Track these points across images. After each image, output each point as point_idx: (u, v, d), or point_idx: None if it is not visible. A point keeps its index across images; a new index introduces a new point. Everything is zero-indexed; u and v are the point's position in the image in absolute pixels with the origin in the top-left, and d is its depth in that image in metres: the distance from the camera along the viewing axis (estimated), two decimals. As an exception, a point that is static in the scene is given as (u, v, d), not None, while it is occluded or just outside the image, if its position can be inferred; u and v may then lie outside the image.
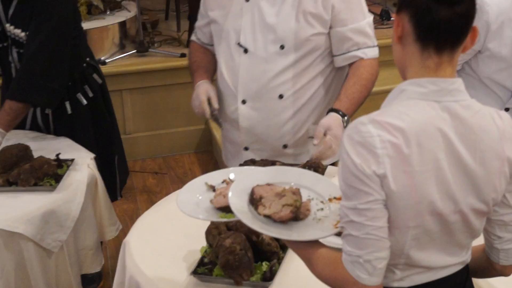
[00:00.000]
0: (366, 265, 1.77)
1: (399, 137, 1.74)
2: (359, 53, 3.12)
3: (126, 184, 4.15)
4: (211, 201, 2.33)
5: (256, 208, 2.11)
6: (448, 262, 1.92)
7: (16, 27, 3.49)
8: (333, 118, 2.95)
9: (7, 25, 3.51)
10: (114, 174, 3.91)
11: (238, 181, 2.25)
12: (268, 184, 2.20)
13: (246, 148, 3.26)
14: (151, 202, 4.70)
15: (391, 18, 6.00)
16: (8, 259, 3.04)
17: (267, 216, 2.08)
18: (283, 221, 2.08)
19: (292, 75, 3.13)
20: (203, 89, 3.15)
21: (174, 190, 3.17)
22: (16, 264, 3.07)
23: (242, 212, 2.08)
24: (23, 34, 3.48)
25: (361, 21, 3.12)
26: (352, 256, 1.79)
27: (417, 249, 1.85)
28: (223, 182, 2.40)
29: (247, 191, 2.18)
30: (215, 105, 3.12)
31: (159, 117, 5.64)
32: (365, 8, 3.16)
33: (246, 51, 3.10)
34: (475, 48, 3.02)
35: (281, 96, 3.15)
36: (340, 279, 1.85)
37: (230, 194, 2.14)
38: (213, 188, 2.43)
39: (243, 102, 3.16)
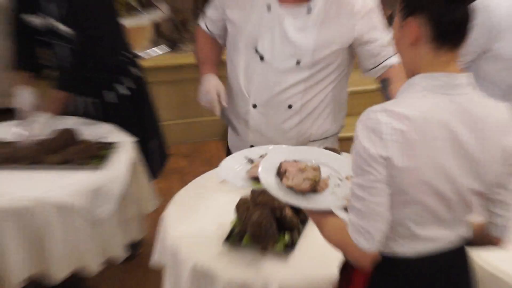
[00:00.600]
0: (366, 234, 1.85)
1: (405, 125, 1.79)
2: (391, 61, 3.08)
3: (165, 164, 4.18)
4: (247, 172, 2.47)
5: (281, 180, 2.23)
6: (449, 236, 1.98)
7: (63, 24, 3.52)
8: None
9: (53, 21, 3.52)
10: (152, 156, 3.95)
11: (268, 156, 2.35)
12: (294, 161, 2.30)
13: (251, 146, 3.13)
14: (182, 182, 4.76)
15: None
16: (61, 228, 3.10)
17: (290, 187, 2.20)
18: (302, 192, 2.20)
19: (304, 88, 3.08)
20: (213, 85, 3.10)
21: (203, 171, 3.21)
22: (69, 232, 3.13)
23: (269, 182, 2.21)
24: (67, 30, 3.52)
25: (385, 37, 3.06)
26: (355, 225, 1.87)
27: (419, 223, 1.91)
28: (260, 156, 2.46)
29: (276, 165, 2.28)
30: (224, 103, 3.10)
31: (189, 107, 5.67)
32: (384, 26, 3.11)
33: (262, 58, 3.04)
34: (477, 50, 3.02)
35: (290, 106, 3.11)
36: (344, 244, 1.94)
37: (260, 167, 2.26)
38: (251, 161, 2.55)
39: (254, 106, 3.12)
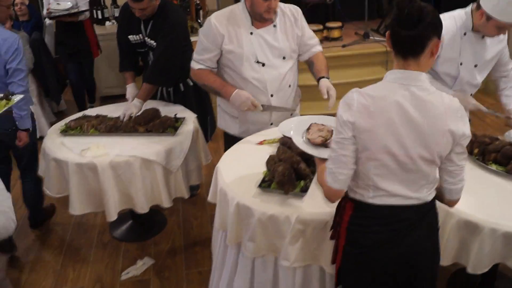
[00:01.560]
0: (333, 175, 1.85)
1: (369, 101, 1.76)
2: (314, 49, 3.09)
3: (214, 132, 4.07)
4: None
5: (307, 135, 2.27)
6: (409, 195, 1.84)
7: (151, 39, 3.43)
8: (327, 82, 2.90)
9: (146, 38, 3.46)
10: (207, 126, 3.84)
11: (303, 119, 2.43)
12: (322, 124, 2.33)
13: (271, 124, 3.06)
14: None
15: (370, 37, 5.81)
16: (146, 176, 3.02)
17: (308, 140, 2.23)
18: (315, 145, 2.21)
19: (292, 72, 3.03)
20: (246, 94, 2.87)
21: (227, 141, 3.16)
22: (151, 179, 3.05)
23: (295, 137, 2.27)
24: (155, 43, 3.42)
25: (310, 33, 3.07)
26: (328, 168, 1.87)
27: (380, 178, 1.82)
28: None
29: (308, 124, 2.35)
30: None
31: None
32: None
33: (263, 65, 2.91)
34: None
35: (289, 86, 3.04)
36: (322, 181, 1.93)
37: (292, 126, 2.33)
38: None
39: (271, 95, 2.96)
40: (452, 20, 2.85)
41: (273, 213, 2.20)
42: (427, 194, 1.87)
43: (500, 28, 2.69)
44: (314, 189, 2.36)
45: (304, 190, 2.32)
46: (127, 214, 3.65)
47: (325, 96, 2.82)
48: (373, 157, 1.78)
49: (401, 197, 1.83)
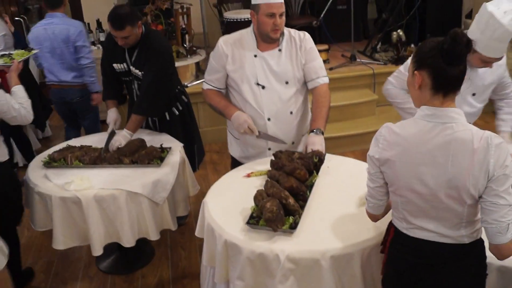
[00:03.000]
0: (367, 201, 1.97)
1: (393, 138, 1.79)
2: (319, 80, 2.97)
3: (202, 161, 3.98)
4: None
5: None
6: (445, 232, 1.79)
7: (136, 68, 3.37)
8: (314, 138, 2.79)
9: (131, 67, 3.39)
10: (194, 155, 3.76)
11: None
12: None
13: (269, 149, 3.02)
14: (215, 170, 4.55)
15: (356, 59, 5.79)
16: (132, 210, 2.94)
17: None
18: None
19: (295, 99, 2.96)
20: (246, 117, 2.87)
21: (229, 163, 3.08)
22: (137, 212, 2.97)
23: None
24: (140, 73, 3.35)
25: (317, 64, 2.98)
26: (366, 196, 1.98)
27: (410, 212, 1.83)
28: None
29: None
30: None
31: (219, 118, 5.32)
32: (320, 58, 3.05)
33: (263, 87, 2.89)
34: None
35: (291, 113, 2.97)
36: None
37: None
38: None
39: (269, 119, 2.92)
40: None
41: (262, 252, 2.13)
42: (464, 235, 1.78)
43: (484, 61, 2.59)
44: (303, 225, 2.29)
45: (293, 226, 2.24)
46: (114, 246, 3.54)
47: (309, 151, 2.76)
48: (399, 193, 1.81)
49: (435, 234, 1.80)
